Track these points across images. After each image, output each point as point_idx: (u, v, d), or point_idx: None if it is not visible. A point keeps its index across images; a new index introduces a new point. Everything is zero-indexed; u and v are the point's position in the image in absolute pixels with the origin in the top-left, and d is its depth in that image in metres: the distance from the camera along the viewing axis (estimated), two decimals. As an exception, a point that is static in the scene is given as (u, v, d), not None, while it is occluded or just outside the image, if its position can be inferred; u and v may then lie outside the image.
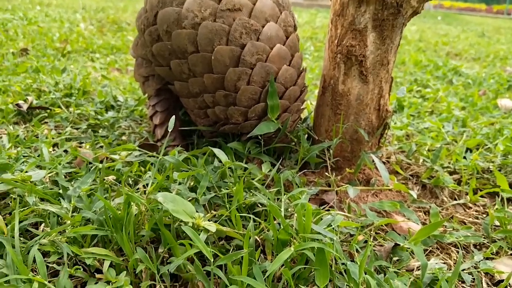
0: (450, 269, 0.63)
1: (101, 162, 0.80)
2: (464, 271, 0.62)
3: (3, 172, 0.70)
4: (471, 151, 1.04)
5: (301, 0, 8.33)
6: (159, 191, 0.61)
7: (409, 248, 0.64)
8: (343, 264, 0.56)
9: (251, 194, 0.70)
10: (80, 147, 0.92)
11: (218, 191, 0.69)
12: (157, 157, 0.78)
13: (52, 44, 2.05)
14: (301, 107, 0.85)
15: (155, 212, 0.58)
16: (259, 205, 0.69)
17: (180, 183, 0.69)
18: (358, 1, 0.73)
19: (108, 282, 0.52)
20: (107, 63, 1.89)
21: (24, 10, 3.14)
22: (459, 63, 2.42)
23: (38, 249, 0.53)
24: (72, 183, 0.72)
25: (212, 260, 0.50)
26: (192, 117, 0.87)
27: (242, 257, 0.52)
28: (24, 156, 0.81)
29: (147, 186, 0.65)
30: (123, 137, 0.99)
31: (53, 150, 0.89)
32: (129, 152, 0.83)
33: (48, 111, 1.10)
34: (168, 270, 0.53)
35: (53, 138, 0.93)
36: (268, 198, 0.67)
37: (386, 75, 0.79)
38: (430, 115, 1.41)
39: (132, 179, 0.76)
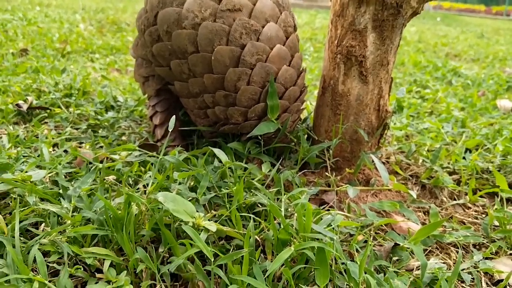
0: (450, 269, 0.64)
1: (101, 162, 0.80)
2: (464, 271, 0.62)
3: (3, 172, 0.70)
4: (470, 152, 1.04)
5: (300, 1, 8.34)
6: (160, 191, 0.61)
7: (408, 248, 0.64)
8: (343, 263, 0.56)
9: (251, 194, 0.70)
10: (80, 147, 0.92)
11: (218, 191, 0.69)
12: (157, 157, 0.78)
13: (52, 44, 2.05)
14: (301, 108, 0.85)
15: (155, 212, 0.58)
16: (259, 205, 0.69)
17: (180, 183, 0.69)
18: (358, 2, 0.73)
19: (108, 282, 0.52)
20: (107, 63, 1.89)
21: (23, 11, 3.14)
22: (459, 64, 2.42)
23: (38, 248, 0.53)
24: (72, 183, 0.72)
25: (212, 259, 0.51)
26: (192, 117, 0.87)
27: (242, 256, 0.52)
28: (24, 156, 0.81)
29: (147, 186, 0.65)
30: (123, 137, 0.99)
31: (53, 150, 0.90)
32: (129, 152, 0.83)
33: (48, 111, 1.10)
34: (168, 269, 0.53)
35: (53, 138, 0.93)
36: (268, 198, 0.67)
37: (386, 76, 0.79)
38: (430, 116, 1.41)
39: (132, 179, 0.76)
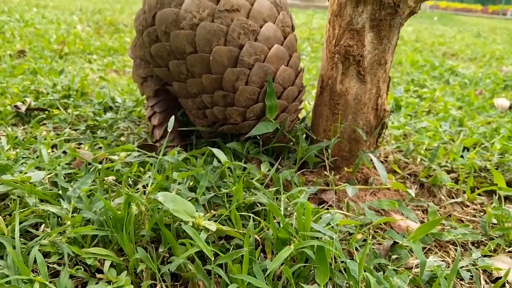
0: (449, 267, 0.64)
1: (101, 162, 0.81)
2: (463, 269, 0.62)
3: (3, 173, 0.70)
4: (468, 150, 1.05)
5: (298, 1, 8.35)
6: (159, 191, 0.61)
7: (407, 246, 0.65)
8: (342, 262, 0.56)
9: (251, 193, 0.70)
10: (79, 148, 0.92)
11: (217, 190, 0.69)
12: (157, 158, 0.78)
13: (49, 45, 2.05)
14: (299, 107, 0.85)
15: (155, 212, 0.58)
16: (258, 204, 0.70)
17: (179, 183, 0.69)
18: (355, 1, 0.74)
19: (109, 282, 0.52)
20: (105, 64, 1.89)
21: (20, 12, 3.13)
22: (456, 63, 2.43)
23: (38, 249, 0.53)
24: (72, 184, 0.72)
25: (212, 259, 0.51)
26: (191, 118, 0.87)
27: (242, 256, 0.52)
28: (23, 158, 0.81)
29: (147, 186, 0.65)
30: (122, 138, 0.99)
31: (52, 151, 0.89)
32: (128, 153, 0.83)
33: (47, 112, 1.10)
34: (168, 269, 0.53)
35: (51, 140, 0.93)
36: (268, 198, 0.67)
37: (384, 75, 0.80)
38: (427, 115, 1.42)
39: (132, 179, 0.76)
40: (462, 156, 0.98)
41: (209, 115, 0.81)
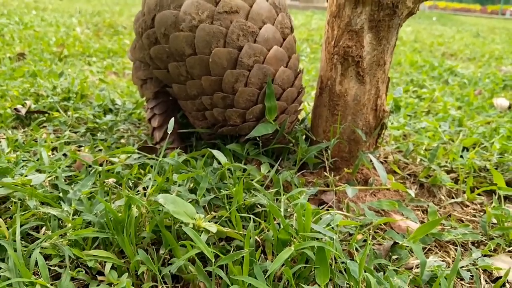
0: (449, 267, 0.64)
1: (101, 165, 0.81)
2: (463, 268, 0.62)
3: (3, 176, 0.70)
4: (467, 150, 1.05)
5: (297, 2, 8.36)
6: (159, 193, 0.61)
7: (408, 246, 0.65)
8: (343, 262, 0.56)
9: (251, 195, 0.70)
10: (79, 150, 0.92)
11: (217, 192, 0.69)
12: (157, 160, 0.78)
13: (49, 48, 2.05)
14: (299, 108, 0.85)
15: (155, 214, 0.59)
16: (258, 205, 0.70)
17: (180, 185, 0.69)
18: (354, 2, 0.74)
19: (110, 284, 0.52)
20: (104, 66, 1.89)
21: (20, 15, 3.13)
22: (455, 63, 2.44)
23: (39, 252, 0.53)
24: (72, 186, 0.72)
25: (213, 260, 0.51)
26: (191, 119, 0.87)
27: (243, 257, 0.52)
28: (23, 160, 0.81)
29: (147, 188, 0.65)
30: (122, 140, 0.99)
31: (52, 154, 0.90)
32: (129, 155, 0.83)
33: (47, 115, 1.10)
34: (169, 271, 0.53)
35: (52, 142, 0.93)
36: (268, 199, 0.67)
37: (383, 76, 0.80)
38: (427, 115, 1.42)
39: (132, 181, 0.77)
40: (461, 156, 0.99)
41: (209, 116, 0.81)
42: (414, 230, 0.65)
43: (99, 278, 0.54)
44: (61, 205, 0.64)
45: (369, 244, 0.57)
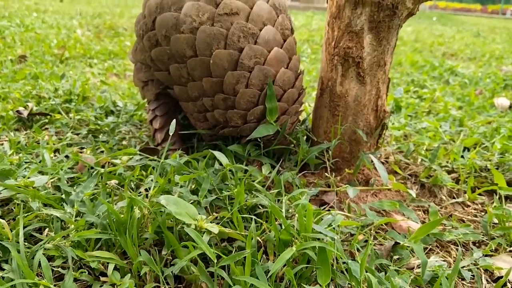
0: (450, 267, 0.64)
1: (103, 166, 0.81)
2: (464, 268, 0.62)
3: (6, 178, 0.71)
4: (468, 150, 1.05)
5: (297, 3, 8.37)
6: (161, 194, 0.62)
7: (409, 246, 0.65)
8: (344, 263, 0.56)
9: (252, 195, 0.71)
10: (81, 152, 0.92)
11: (219, 193, 0.70)
12: (159, 161, 0.79)
13: (50, 50, 2.06)
14: (300, 109, 0.86)
15: (158, 215, 0.59)
16: (260, 206, 0.70)
17: (181, 186, 0.70)
18: (354, 3, 0.74)
19: (113, 285, 0.53)
20: (105, 68, 1.90)
21: (21, 17, 3.14)
22: (455, 63, 2.44)
23: (43, 253, 0.54)
24: (75, 188, 0.72)
25: (215, 261, 0.51)
26: (192, 121, 0.88)
27: (244, 257, 0.53)
28: (26, 162, 0.82)
29: (149, 189, 0.65)
30: (124, 142, 0.99)
31: (55, 155, 0.90)
32: (130, 156, 0.84)
33: (49, 117, 1.11)
34: (172, 272, 0.53)
35: (54, 144, 0.94)
36: (269, 200, 0.67)
37: (383, 76, 0.80)
38: (428, 115, 1.42)
39: (134, 183, 0.77)
40: (462, 156, 0.99)
41: (210, 118, 0.82)
42: (415, 230, 0.65)
43: (102, 279, 0.54)
44: (63, 207, 0.65)
45: (370, 244, 0.57)
